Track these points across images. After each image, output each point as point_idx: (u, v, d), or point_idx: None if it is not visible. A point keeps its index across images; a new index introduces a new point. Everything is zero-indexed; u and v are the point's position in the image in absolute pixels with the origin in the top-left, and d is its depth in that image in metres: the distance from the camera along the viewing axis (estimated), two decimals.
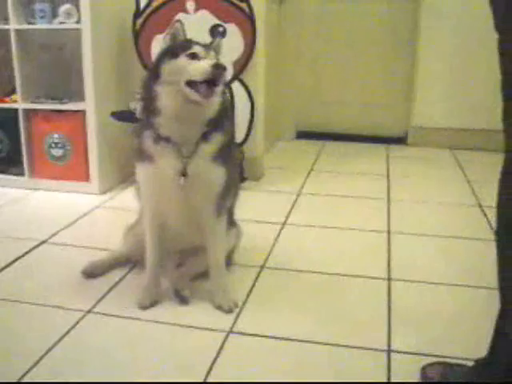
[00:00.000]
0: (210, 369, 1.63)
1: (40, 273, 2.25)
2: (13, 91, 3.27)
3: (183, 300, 2.00)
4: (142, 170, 1.91)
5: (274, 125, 4.29)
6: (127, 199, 3.08)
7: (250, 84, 3.25)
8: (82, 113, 3.10)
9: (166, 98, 1.79)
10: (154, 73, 1.83)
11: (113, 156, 3.31)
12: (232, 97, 3.21)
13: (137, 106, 3.05)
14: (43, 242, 2.51)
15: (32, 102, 3.22)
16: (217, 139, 1.86)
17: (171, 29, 1.89)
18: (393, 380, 1.59)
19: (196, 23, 3.16)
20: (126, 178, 3.39)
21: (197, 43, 1.86)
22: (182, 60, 1.79)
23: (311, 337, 1.79)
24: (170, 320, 1.88)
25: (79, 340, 1.78)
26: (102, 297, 2.04)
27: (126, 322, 1.88)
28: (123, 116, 3.17)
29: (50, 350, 1.71)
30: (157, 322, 1.88)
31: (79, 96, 3.19)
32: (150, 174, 1.89)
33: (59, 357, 1.69)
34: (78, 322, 1.87)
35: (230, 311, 1.95)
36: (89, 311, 1.94)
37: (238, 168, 2.25)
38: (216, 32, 3.17)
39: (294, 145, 4.55)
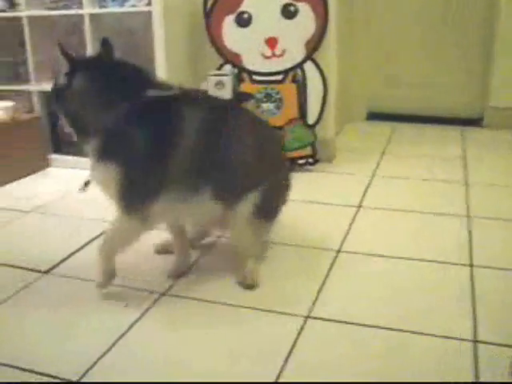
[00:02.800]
0: (289, 355, 1.60)
1: None
2: None
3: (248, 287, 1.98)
4: None
5: (344, 106, 4.19)
6: None
7: (323, 64, 3.17)
8: None
9: None
10: None
11: None
12: (304, 77, 3.14)
13: (208, 87, 3.05)
14: None
15: None
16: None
17: None
18: (481, 371, 1.52)
19: (267, 3, 3.11)
20: None
21: None
22: None
23: (392, 324, 1.73)
24: (243, 303, 1.86)
25: (153, 323, 1.78)
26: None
27: (200, 305, 1.86)
28: None
29: (123, 334, 1.72)
30: (229, 304, 1.85)
31: None
32: None
33: (134, 339, 1.70)
34: (153, 304, 1.87)
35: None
36: (163, 294, 1.93)
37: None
38: (287, 11, 3.10)
39: (364, 126, 4.44)
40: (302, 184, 3.00)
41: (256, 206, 1.92)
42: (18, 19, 3.40)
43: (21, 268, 2.16)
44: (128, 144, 1.80)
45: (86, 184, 2.02)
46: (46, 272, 2.12)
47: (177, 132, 1.81)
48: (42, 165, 3.41)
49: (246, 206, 1.92)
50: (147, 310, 1.84)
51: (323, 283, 1.98)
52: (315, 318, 1.77)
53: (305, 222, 2.53)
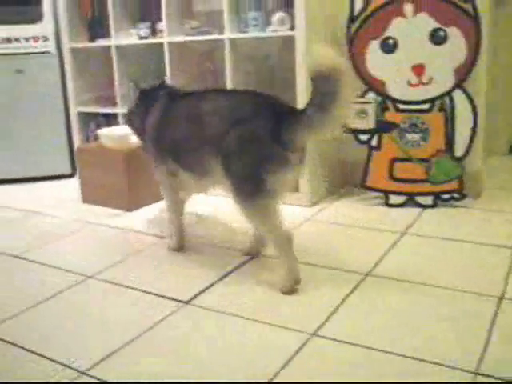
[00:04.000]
0: None
1: (253, 288, 2.18)
2: None
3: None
4: None
5: (487, 138, 3.92)
6: (338, 212, 2.96)
7: (473, 92, 2.96)
8: None
9: None
10: None
11: (323, 167, 3.20)
12: (453, 107, 2.95)
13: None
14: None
15: None
16: None
17: None
18: None
19: (414, 28, 2.95)
20: (334, 190, 3.27)
21: None
22: None
23: None
24: (400, 350, 1.68)
25: (303, 367, 1.65)
26: (328, 317, 1.90)
27: (349, 348, 1.72)
28: None
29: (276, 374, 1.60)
30: (390, 352, 1.69)
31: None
32: None
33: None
34: (302, 346, 1.74)
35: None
36: (313, 334, 1.80)
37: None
38: (436, 37, 2.93)
39: (507, 160, 4.13)
40: (447, 220, 2.81)
41: (227, 176, 2.12)
42: (160, 45, 3.45)
43: (162, 296, 2.11)
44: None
45: None
46: (187, 302, 2.05)
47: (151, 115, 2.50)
48: None
49: (220, 176, 2.16)
50: (298, 351, 1.72)
51: (489, 335, 1.76)
52: (484, 374, 1.57)
53: (455, 263, 2.32)
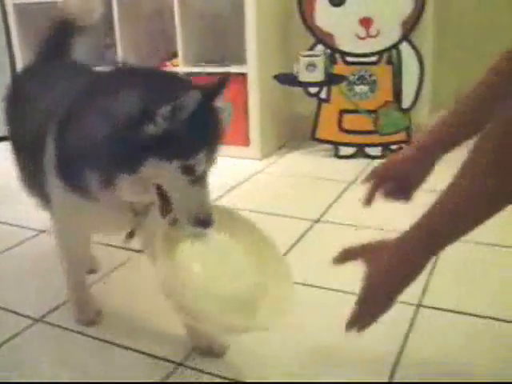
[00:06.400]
0: None
1: None
2: (174, 56, 3.27)
3: None
4: None
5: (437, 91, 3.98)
6: (288, 165, 3.01)
7: (419, 45, 3.01)
8: (243, 76, 3.02)
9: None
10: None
11: (273, 120, 3.23)
12: (400, 59, 3.00)
13: (299, 68, 2.96)
14: None
15: (194, 66, 3.20)
16: None
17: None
18: None
19: None
20: (285, 143, 3.31)
21: (202, 144, 1.20)
22: (172, 171, 1.18)
23: None
24: None
25: None
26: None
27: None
28: (286, 79, 3.07)
29: None
30: None
31: (238, 60, 3.14)
32: None
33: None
34: None
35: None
36: None
37: None
38: None
39: None
40: None
41: None
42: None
43: None
44: None
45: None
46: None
47: None
48: None
49: None
50: None
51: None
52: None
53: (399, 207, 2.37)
